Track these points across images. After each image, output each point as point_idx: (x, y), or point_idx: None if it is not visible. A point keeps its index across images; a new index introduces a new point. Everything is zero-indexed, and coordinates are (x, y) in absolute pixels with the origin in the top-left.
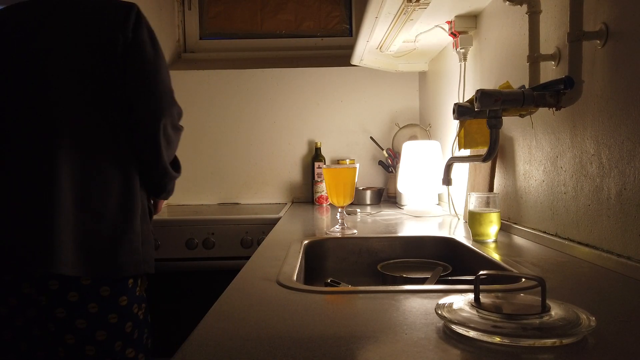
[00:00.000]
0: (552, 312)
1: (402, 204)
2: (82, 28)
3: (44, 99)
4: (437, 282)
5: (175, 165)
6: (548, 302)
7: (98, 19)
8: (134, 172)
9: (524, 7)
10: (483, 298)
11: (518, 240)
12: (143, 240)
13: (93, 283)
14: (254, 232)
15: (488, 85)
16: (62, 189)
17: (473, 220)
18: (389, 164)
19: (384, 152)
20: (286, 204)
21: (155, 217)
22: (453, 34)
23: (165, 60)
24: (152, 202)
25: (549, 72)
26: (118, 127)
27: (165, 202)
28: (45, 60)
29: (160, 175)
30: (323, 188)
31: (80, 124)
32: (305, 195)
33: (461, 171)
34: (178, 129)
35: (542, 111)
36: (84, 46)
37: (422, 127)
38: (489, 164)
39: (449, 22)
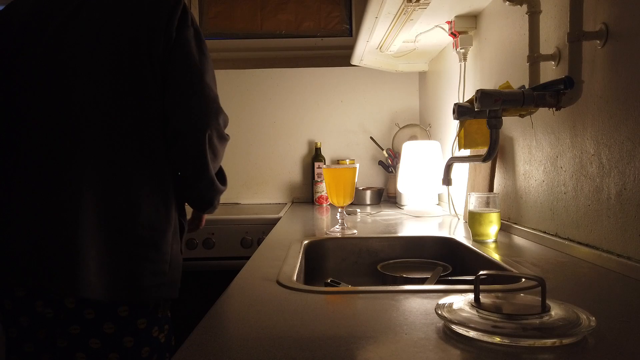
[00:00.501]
0: (552, 312)
1: (402, 204)
2: (119, 23)
3: (69, 103)
4: (437, 282)
5: (221, 177)
6: (548, 302)
7: (139, 14)
8: (169, 187)
9: (524, 7)
10: (483, 298)
11: (518, 240)
12: (171, 261)
13: (111, 301)
14: (254, 232)
15: (488, 85)
16: (86, 205)
17: (473, 220)
18: (389, 164)
19: (384, 152)
20: (286, 204)
21: None
22: (453, 34)
23: (212, 62)
24: (189, 216)
25: (549, 72)
26: (153, 137)
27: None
28: (71, 58)
29: (206, 189)
30: (323, 188)
31: (108, 133)
32: (305, 195)
33: (461, 171)
34: (224, 139)
35: (542, 111)
36: (119, 44)
37: (422, 127)
38: (489, 164)
39: (449, 22)
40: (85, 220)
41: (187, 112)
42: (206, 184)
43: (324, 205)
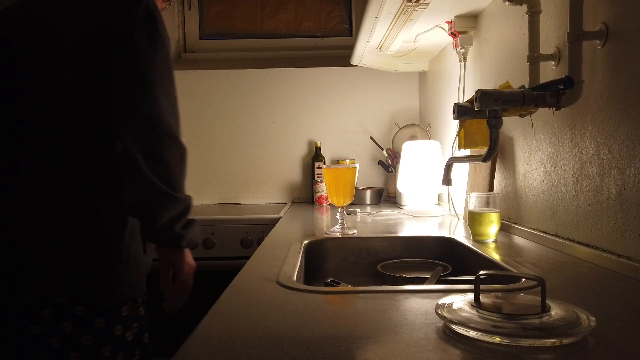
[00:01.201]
0: (552, 312)
1: (402, 204)
2: (74, 20)
3: (20, 107)
4: (437, 282)
5: (170, 179)
6: (548, 302)
7: (93, 10)
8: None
9: (524, 7)
10: (483, 298)
11: (518, 240)
12: (128, 261)
13: (67, 301)
14: (254, 232)
15: (488, 85)
16: (33, 205)
17: (473, 220)
18: (389, 164)
19: (384, 152)
20: (286, 204)
21: None
22: (453, 34)
23: (170, 75)
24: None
25: (549, 72)
26: (101, 139)
27: (190, 260)
28: (19, 58)
29: (138, 188)
30: (323, 188)
31: (57, 134)
32: (305, 195)
33: (461, 171)
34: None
35: (542, 111)
36: (67, 47)
37: (422, 127)
38: (489, 164)
39: (449, 22)
40: (32, 220)
41: (121, 108)
42: (135, 183)
43: (324, 205)
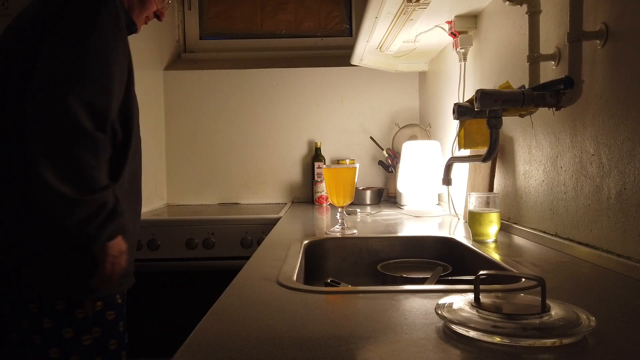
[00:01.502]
0: (552, 312)
1: (402, 204)
2: (28, 19)
3: None
4: (437, 282)
5: (69, 175)
6: (548, 302)
7: (44, 7)
8: None
9: (524, 7)
10: (483, 298)
11: (518, 240)
12: (73, 261)
13: (22, 298)
14: (254, 232)
15: (488, 85)
16: None
17: (473, 220)
18: (389, 164)
19: (384, 152)
20: (286, 204)
21: (155, 217)
22: (453, 34)
23: (106, 66)
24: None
25: (549, 72)
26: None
27: (118, 249)
28: None
29: (35, 189)
30: (323, 188)
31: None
32: (305, 195)
33: (461, 171)
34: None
35: (542, 111)
36: (15, 43)
37: (422, 127)
38: (489, 164)
39: (449, 22)
40: None
41: (31, 99)
42: (37, 189)
43: (324, 205)
